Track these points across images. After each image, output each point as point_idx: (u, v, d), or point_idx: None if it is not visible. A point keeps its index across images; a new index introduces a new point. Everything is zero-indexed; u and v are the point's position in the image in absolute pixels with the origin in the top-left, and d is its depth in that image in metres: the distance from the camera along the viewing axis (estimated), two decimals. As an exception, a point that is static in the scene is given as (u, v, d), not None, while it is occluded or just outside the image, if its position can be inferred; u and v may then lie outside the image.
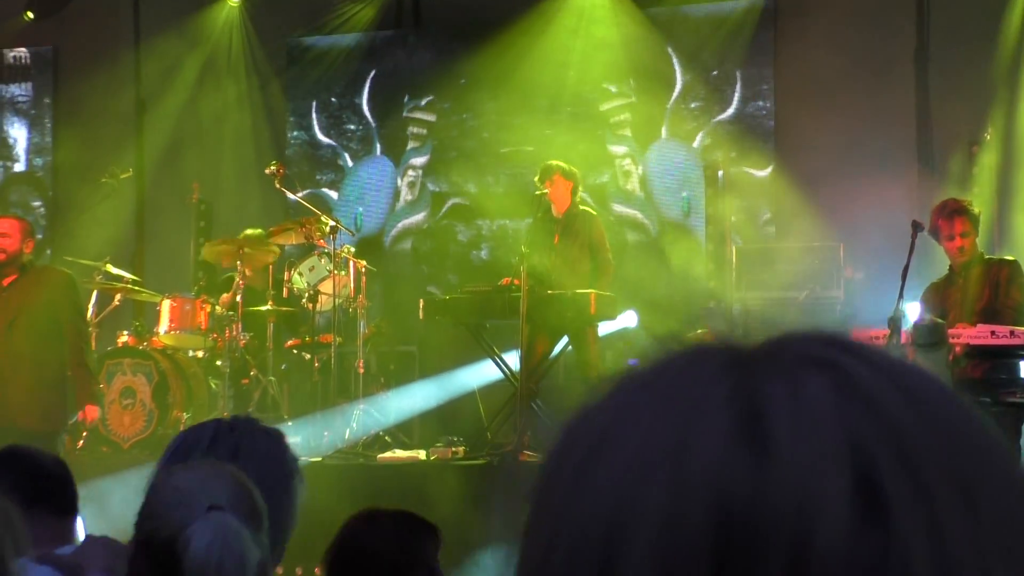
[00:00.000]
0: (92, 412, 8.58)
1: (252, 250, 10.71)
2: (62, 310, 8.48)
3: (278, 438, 2.67)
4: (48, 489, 3.28)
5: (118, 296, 10.87)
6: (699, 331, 8.39)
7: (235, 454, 2.52)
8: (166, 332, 10.66)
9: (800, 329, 0.85)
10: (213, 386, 10.74)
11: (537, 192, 10.09)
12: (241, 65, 13.92)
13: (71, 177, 13.39)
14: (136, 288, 11.00)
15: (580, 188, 10.25)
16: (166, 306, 10.69)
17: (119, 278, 10.85)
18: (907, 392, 0.81)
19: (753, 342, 0.85)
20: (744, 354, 0.83)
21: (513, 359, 9.94)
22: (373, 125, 13.74)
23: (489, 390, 10.62)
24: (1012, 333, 7.16)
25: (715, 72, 12.49)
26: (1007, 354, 7.32)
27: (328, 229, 10.58)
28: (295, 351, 11.14)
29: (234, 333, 10.47)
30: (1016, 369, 7.55)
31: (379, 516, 3.17)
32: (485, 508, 9.17)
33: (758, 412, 0.78)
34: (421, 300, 10.55)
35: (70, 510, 3.31)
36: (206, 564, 2.05)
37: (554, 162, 10.46)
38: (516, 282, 9.79)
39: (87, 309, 10.15)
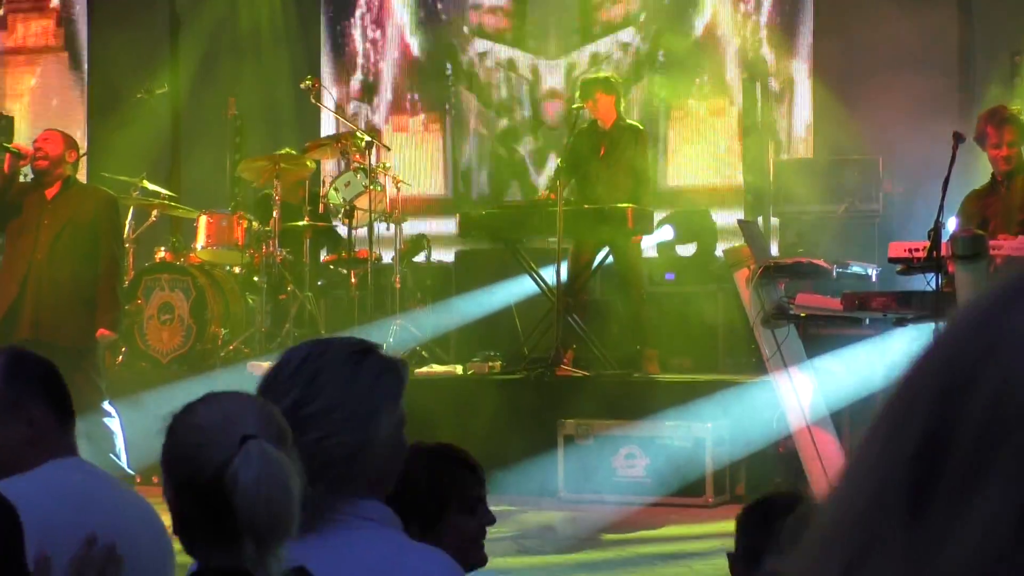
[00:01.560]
0: (104, 338, 8.53)
1: (288, 166, 10.69)
2: (103, 230, 8.47)
3: (370, 365, 2.47)
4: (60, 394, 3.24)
5: (155, 212, 10.88)
6: (737, 244, 8.35)
7: (312, 380, 2.41)
8: (203, 248, 10.67)
9: None
10: (250, 302, 10.78)
11: (575, 107, 10.04)
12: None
13: (107, 93, 13.37)
14: (173, 204, 11.01)
15: (623, 99, 10.17)
16: (203, 222, 10.70)
17: (156, 194, 10.86)
18: None
19: None
20: None
21: (550, 274, 9.92)
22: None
23: (526, 305, 10.61)
24: (1055, 244, 7.09)
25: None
26: (1048, 266, 7.25)
27: (364, 144, 10.55)
28: (332, 266, 11.16)
29: (271, 249, 10.49)
30: (1058, 281, 7.48)
31: (418, 450, 3.02)
32: (522, 422, 9.21)
33: None
34: (457, 215, 10.53)
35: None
36: (256, 498, 2.04)
37: (592, 77, 10.38)
38: (553, 196, 9.76)
39: (125, 229, 10.17)
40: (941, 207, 7.08)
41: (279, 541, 2.08)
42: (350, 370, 2.41)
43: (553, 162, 11.60)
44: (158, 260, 10.81)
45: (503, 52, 13.13)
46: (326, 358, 2.43)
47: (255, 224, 10.71)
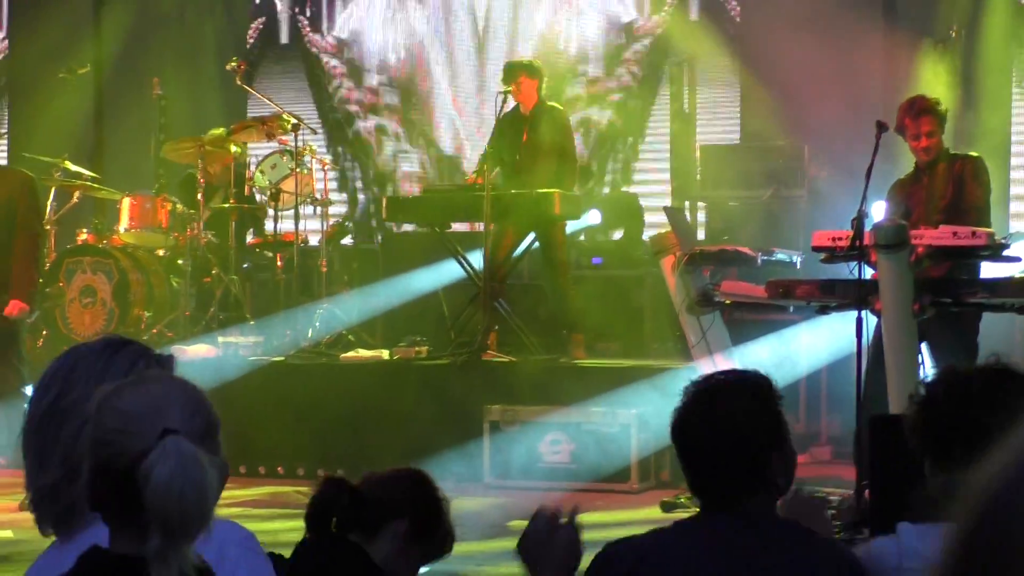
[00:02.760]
0: (14, 309, 8.39)
1: (213, 148, 10.59)
2: (21, 212, 8.36)
3: (123, 357, 2.58)
4: None
5: (77, 193, 10.74)
6: (662, 231, 8.36)
7: (69, 373, 2.48)
8: (126, 230, 10.56)
9: None
10: (175, 284, 10.67)
11: (500, 91, 10.02)
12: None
13: (28, 72, 13.18)
14: (95, 186, 10.87)
15: (545, 83, 10.18)
16: (126, 204, 10.58)
17: (78, 175, 10.72)
18: None
19: None
20: None
21: (477, 258, 9.90)
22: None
23: (453, 289, 10.58)
24: (973, 234, 7.14)
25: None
26: (968, 255, 7.30)
27: (290, 126, 10.48)
28: (257, 249, 11.08)
29: (195, 231, 10.39)
30: (976, 269, 7.55)
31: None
32: (447, 407, 9.19)
33: None
34: (384, 199, 10.49)
35: None
36: (167, 495, 2.02)
37: (517, 61, 10.38)
38: (480, 181, 9.74)
39: (46, 210, 10.04)
40: (864, 196, 7.11)
41: (188, 538, 2.07)
42: (103, 362, 2.47)
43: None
44: (80, 242, 10.68)
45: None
46: (81, 351, 2.51)
47: (179, 206, 10.60)
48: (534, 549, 2.90)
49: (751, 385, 2.88)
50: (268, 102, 11.24)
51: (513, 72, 10.03)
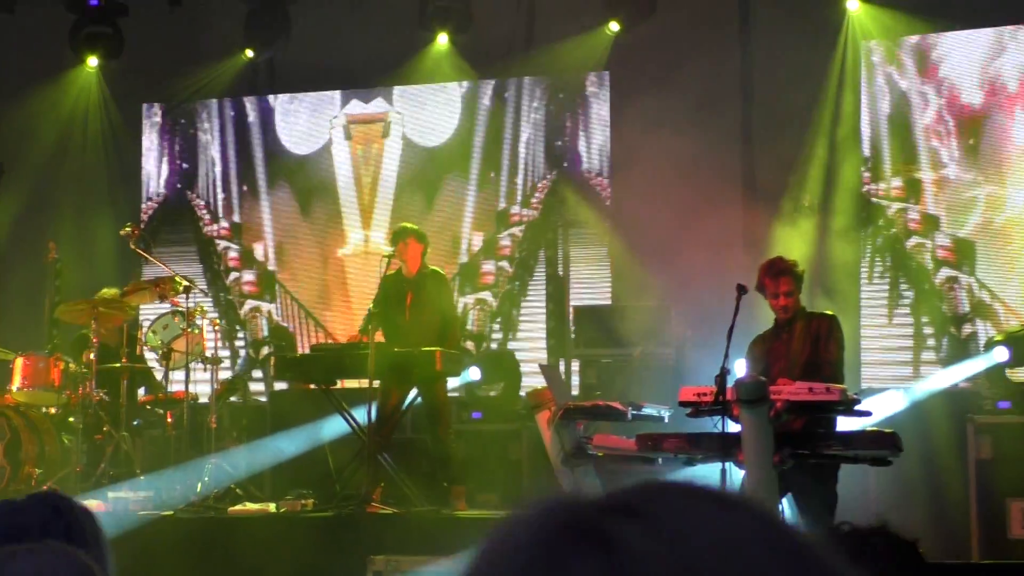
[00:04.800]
0: None
1: (107, 309, 10.54)
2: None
3: (93, 515, 2.55)
4: None
5: (-30, 355, 10.60)
6: (538, 387, 8.43)
7: (69, 535, 2.43)
8: (19, 389, 10.41)
9: (623, 490, 0.87)
10: (66, 442, 10.50)
11: (387, 254, 10.13)
12: (99, 128, 13.73)
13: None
14: (-12, 346, 10.73)
15: (429, 250, 10.33)
16: (19, 364, 10.45)
17: (-28, 337, 10.58)
18: (691, 568, 0.79)
19: (580, 507, 0.87)
20: (552, 527, 0.87)
21: (362, 414, 9.90)
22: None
23: (339, 444, 10.55)
24: (828, 390, 7.31)
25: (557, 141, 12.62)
26: (824, 409, 7.47)
27: (182, 288, 10.48)
28: (148, 407, 10.97)
29: (88, 389, 10.28)
30: (832, 423, 7.72)
31: None
32: (332, 558, 9.09)
33: None
34: (272, 358, 10.48)
35: None
36: None
37: (407, 225, 10.52)
38: (365, 339, 9.80)
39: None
40: (726, 353, 7.27)
41: None
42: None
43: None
44: (-27, 401, 10.49)
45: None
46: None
47: (72, 365, 10.49)
48: None
49: None
50: (161, 266, 11.22)
51: (403, 234, 10.18)
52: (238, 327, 13.31)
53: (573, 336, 11.22)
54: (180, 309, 10.53)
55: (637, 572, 0.79)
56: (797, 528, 0.84)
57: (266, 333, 13.21)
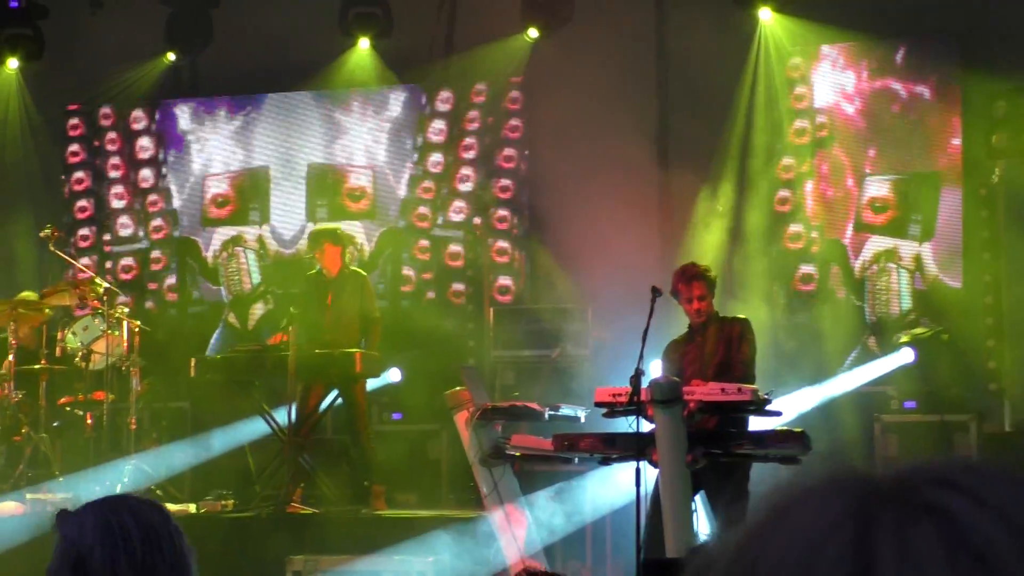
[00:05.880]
0: None
1: (26, 311, 10.36)
2: None
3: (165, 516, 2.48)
4: None
5: None
6: (457, 388, 8.38)
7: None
8: (-63, 391, 10.19)
9: (919, 463, 0.87)
10: (-16, 444, 10.29)
11: (306, 256, 10.04)
12: (19, 130, 13.48)
13: None
14: (-93, 348, 10.49)
15: (348, 251, 10.25)
16: (-63, 365, 10.24)
17: None
18: (1021, 535, 0.80)
19: (878, 478, 0.86)
20: (865, 496, 0.85)
21: (282, 414, 9.81)
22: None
23: (259, 444, 10.44)
24: (740, 390, 7.33)
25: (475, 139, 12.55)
26: (736, 409, 7.49)
27: (102, 290, 10.32)
28: (68, 408, 10.78)
29: (6, 391, 10.09)
30: (744, 423, 7.74)
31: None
32: (252, 558, 8.99)
33: (870, 567, 0.81)
34: (193, 359, 10.34)
35: None
36: None
37: (323, 228, 10.44)
38: (286, 340, 9.71)
39: None
40: (641, 355, 7.26)
41: None
42: None
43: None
44: None
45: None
46: None
47: (-5, 370, 10.29)
48: None
49: None
50: (80, 268, 11.03)
51: (318, 239, 10.11)
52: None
53: (492, 337, 11.18)
54: (100, 311, 10.36)
55: (976, 541, 0.80)
56: None
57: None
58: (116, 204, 13.30)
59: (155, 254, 13.17)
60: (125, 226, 13.25)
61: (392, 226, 12.50)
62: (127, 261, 13.18)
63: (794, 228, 11.33)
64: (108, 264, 13.11)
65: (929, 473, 0.85)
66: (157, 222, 13.21)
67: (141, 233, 13.22)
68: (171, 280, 13.10)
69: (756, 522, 0.89)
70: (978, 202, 10.59)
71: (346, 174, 12.73)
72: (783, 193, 11.40)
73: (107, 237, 13.27)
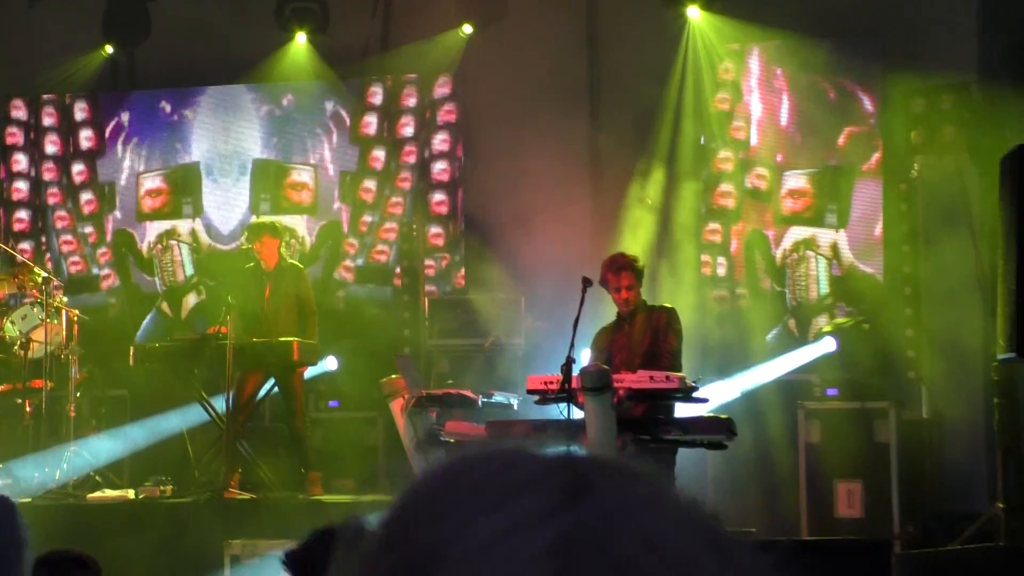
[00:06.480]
0: None
1: (-36, 299, 10.32)
2: None
3: (8, 507, 2.53)
4: None
5: None
6: (392, 376, 8.48)
7: None
8: None
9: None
10: (-77, 431, 10.26)
11: (243, 247, 10.11)
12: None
13: None
14: None
15: (285, 244, 10.33)
16: None
17: None
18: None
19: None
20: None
21: (220, 402, 9.87)
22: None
23: (198, 431, 10.49)
24: (668, 378, 7.48)
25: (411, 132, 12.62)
26: (664, 396, 7.64)
27: (41, 280, 10.30)
28: (6, 396, 10.75)
29: (-55, 379, 10.06)
30: (671, 410, 7.89)
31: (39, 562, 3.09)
32: (190, 543, 9.04)
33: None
34: (131, 347, 10.36)
35: None
36: None
37: (260, 222, 10.51)
38: (224, 330, 9.76)
39: None
40: (572, 343, 7.40)
41: None
42: None
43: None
44: None
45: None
46: None
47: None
48: None
49: None
50: (19, 257, 11.00)
51: (257, 231, 10.19)
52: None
53: (427, 326, 11.28)
54: (39, 300, 10.35)
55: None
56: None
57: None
58: (52, 199, 13.21)
59: (92, 243, 13.12)
60: (62, 219, 13.19)
61: (332, 219, 12.54)
62: (67, 248, 13.12)
63: (720, 220, 11.50)
64: (47, 255, 13.04)
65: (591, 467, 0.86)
66: (91, 208, 13.13)
67: (78, 225, 13.17)
68: (107, 271, 13.06)
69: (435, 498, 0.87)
70: (898, 196, 10.80)
71: (289, 169, 12.75)
72: (710, 185, 11.57)
73: (40, 225, 13.20)
